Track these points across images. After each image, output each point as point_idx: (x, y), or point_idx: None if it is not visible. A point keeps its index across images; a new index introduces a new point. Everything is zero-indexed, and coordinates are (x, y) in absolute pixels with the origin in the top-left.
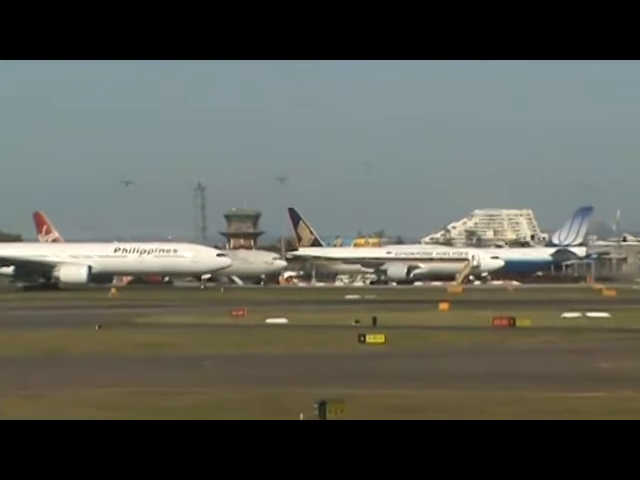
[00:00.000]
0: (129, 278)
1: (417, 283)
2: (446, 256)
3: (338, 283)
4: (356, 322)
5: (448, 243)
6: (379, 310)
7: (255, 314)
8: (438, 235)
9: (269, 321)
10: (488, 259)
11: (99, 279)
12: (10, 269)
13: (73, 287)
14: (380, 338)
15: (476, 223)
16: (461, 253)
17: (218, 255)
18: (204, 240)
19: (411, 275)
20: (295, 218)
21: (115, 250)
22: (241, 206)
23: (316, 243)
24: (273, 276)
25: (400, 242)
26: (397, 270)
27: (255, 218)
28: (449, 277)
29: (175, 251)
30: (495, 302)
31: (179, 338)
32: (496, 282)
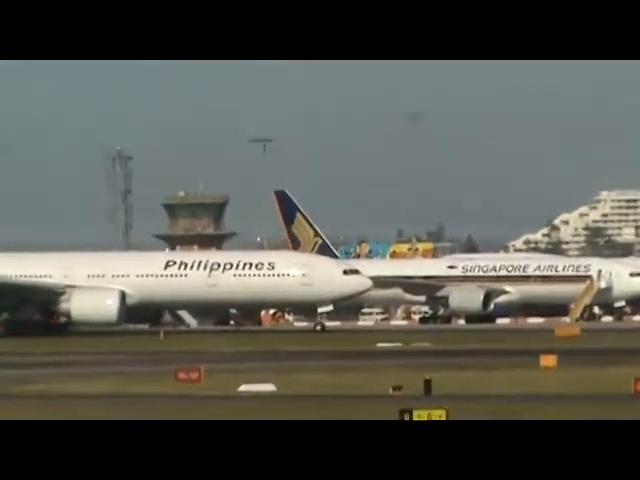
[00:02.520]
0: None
1: (501, 320)
2: (552, 272)
3: (364, 322)
4: (395, 388)
5: (555, 249)
6: (435, 368)
7: (221, 376)
8: (538, 235)
9: (244, 389)
10: (626, 276)
11: (138, 315)
12: None
13: (94, 329)
14: (438, 416)
15: (604, 214)
16: (579, 267)
17: (345, 273)
18: (126, 248)
19: (491, 306)
20: (287, 209)
21: (167, 265)
22: (194, 190)
23: (324, 250)
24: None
25: (471, 249)
26: (467, 298)
27: (218, 209)
28: (558, 309)
29: (272, 265)
30: (637, 352)
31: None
32: None
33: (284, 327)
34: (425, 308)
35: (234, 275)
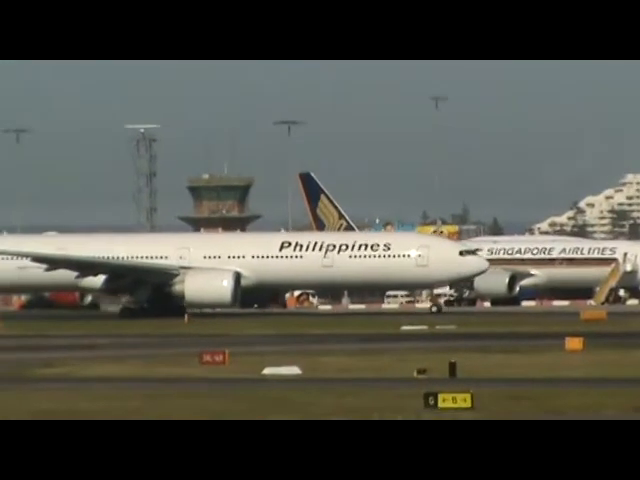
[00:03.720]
0: (22, 299)
1: (526, 303)
2: (578, 255)
3: (389, 305)
4: (420, 372)
5: (581, 232)
6: (460, 351)
7: (245, 360)
8: (563, 218)
9: (269, 372)
10: None
11: (254, 296)
12: (100, 279)
13: (209, 309)
14: (463, 400)
15: (630, 197)
16: (604, 249)
17: (462, 253)
18: (152, 230)
19: (516, 289)
20: (312, 191)
21: (283, 246)
22: (219, 172)
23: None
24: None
25: (497, 232)
26: (491, 281)
27: (242, 192)
28: (583, 292)
29: (387, 246)
30: None
31: (100, 406)
32: None
33: (307, 310)
34: (450, 292)
35: (350, 256)
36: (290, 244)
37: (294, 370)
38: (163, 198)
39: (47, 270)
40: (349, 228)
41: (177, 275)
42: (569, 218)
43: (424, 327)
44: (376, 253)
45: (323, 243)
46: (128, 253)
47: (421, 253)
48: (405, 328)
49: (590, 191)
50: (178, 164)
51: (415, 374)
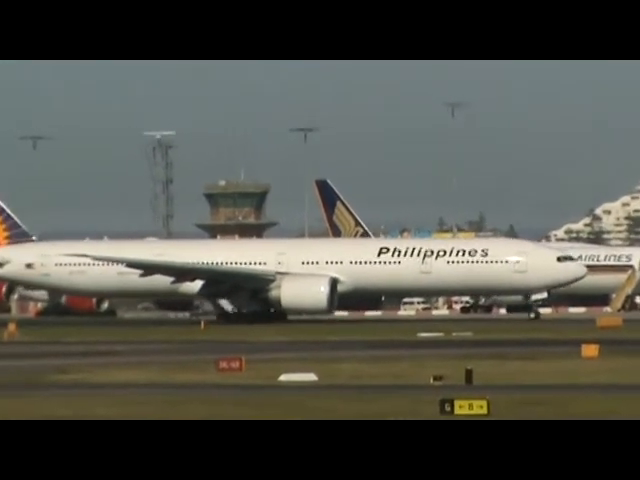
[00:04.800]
0: (38, 306)
1: (543, 310)
2: (594, 262)
3: (405, 312)
4: (436, 378)
5: (597, 239)
6: (477, 358)
7: (261, 366)
8: (580, 225)
9: (285, 378)
10: None
11: (348, 301)
12: (197, 285)
13: (306, 315)
14: (479, 407)
15: None
16: (620, 256)
17: (559, 259)
18: (167, 237)
19: (532, 296)
20: (328, 198)
21: (381, 251)
22: (235, 179)
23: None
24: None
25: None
26: None
27: (259, 199)
28: (599, 299)
29: (485, 252)
30: None
31: (116, 412)
32: None
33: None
34: (466, 298)
35: (447, 262)
36: (388, 250)
37: (310, 377)
38: (179, 205)
39: (142, 276)
40: (365, 235)
41: (274, 281)
42: (585, 225)
43: (440, 334)
44: (474, 259)
45: (421, 249)
46: (227, 259)
47: (519, 259)
48: (421, 335)
49: (606, 198)
50: (194, 171)
51: (431, 381)
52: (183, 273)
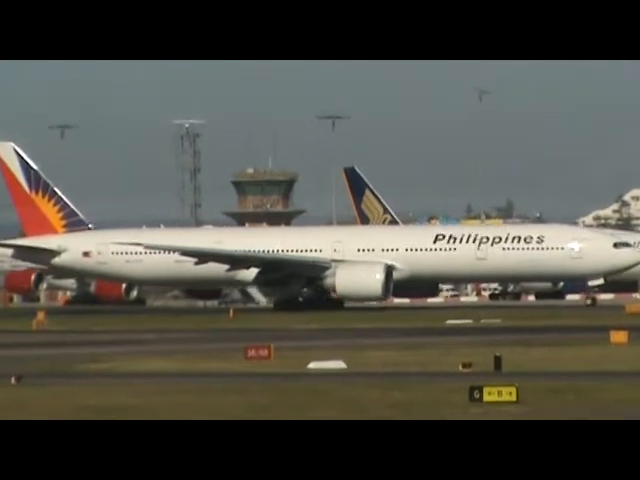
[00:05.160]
0: (67, 296)
1: (571, 296)
2: None
3: (434, 299)
4: (465, 365)
5: (626, 225)
6: (505, 345)
7: (290, 354)
8: (608, 211)
9: (314, 366)
10: None
11: (406, 288)
12: (252, 273)
13: (360, 302)
14: (508, 394)
15: None
16: None
17: (616, 246)
18: (196, 225)
19: (560, 283)
20: (357, 185)
21: (437, 238)
22: (263, 166)
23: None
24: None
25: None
26: None
27: (287, 186)
28: (628, 285)
29: (541, 238)
30: None
31: (145, 401)
32: None
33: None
34: (495, 285)
35: (503, 248)
36: (444, 237)
37: (339, 364)
38: (207, 193)
39: (197, 264)
40: (393, 222)
41: (329, 268)
42: (614, 211)
43: (469, 321)
44: (529, 245)
45: (477, 235)
46: (283, 246)
47: (576, 246)
48: (450, 322)
49: (635, 184)
50: (222, 159)
51: (460, 368)
52: (237, 261)
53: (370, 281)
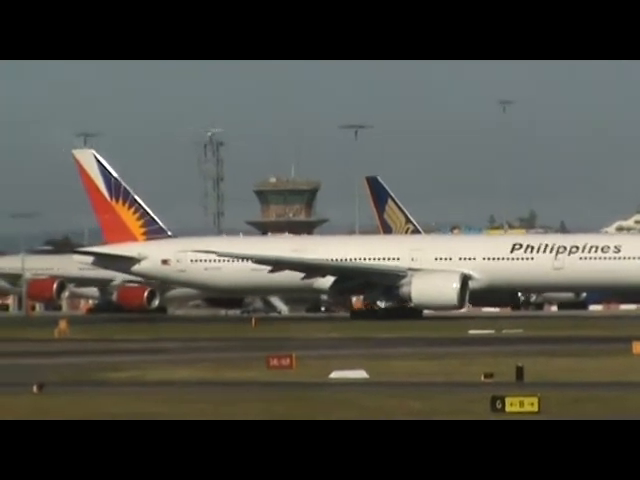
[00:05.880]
0: (89, 304)
1: (594, 307)
2: None
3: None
4: (487, 376)
5: None
6: (527, 355)
7: (311, 363)
8: (630, 222)
9: (336, 375)
10: None
11: (485, 296)
12: (328, 280)
13: (438, 311)
14: (530, 404)
15: None
16: None
17: None
18: (219, 234)
19: (583, 293)
20: (379, 195)
21: (514, 247)
22: (286, 175)
23: None
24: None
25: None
26: None
27: (309, 196)
28: None
29: (618, 248)
30: None
31: (166, 409)
32: None
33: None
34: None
35: (580, 258)
36: (521, 246)
37: (361, 374)
38: (230, 202)
39: (270, 272)
40: (416, 232)
41: (405, 277)
42: (636, 222)
43: (491, 331)
44: (606, 255)
45: (554, 245)
46: (360, 255)
47: None
48: (472, 332)
49: None
50: (245, 168)
51: (482, 378)
52: (312, 269)
53: (446, 290)
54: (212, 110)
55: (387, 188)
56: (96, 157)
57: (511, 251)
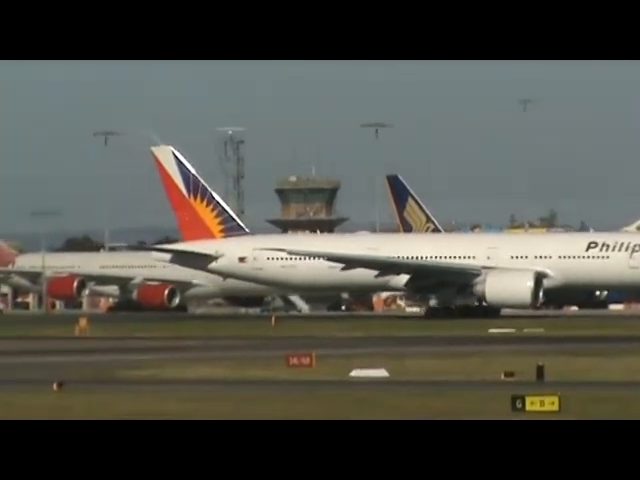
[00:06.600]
0: (109, 302)
1: (614, 306)
2: None
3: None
4: (507, 375)
5: None
6: (548, 354)
7: (331, 362)
8: None
9: (356, 374)
10: None
11: (560, 296)
12: (403, 278)
13: (514, 310)
14: (550, 403)
15: None
16: None
17: None
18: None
19: (604, 292)
20: (400, 193)
21: (589, 246)
22: (306, 174)
23: None
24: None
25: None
26: None
27: (330, 194)
28: None
29: None
30: None
31: (186, 408)
32: None
33: (394, 312)
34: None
35: None
36: (597, 244)
37: (382, 372)
38: (250, 200)
39: (343, 269)
40: (436, 231)
41: (479, 275)
42: None
43: (512, 330)
44: None
45: (629, 243)
46: (435, 253)
47: None
48: (492, 331)
49: None
50: (265, 166)
51: (502, 377)
52: (385, 267)
53: (520, 288)
54: (233, 109)
55: (408, 187)
56: (174, 154)
57: (586, 249)
